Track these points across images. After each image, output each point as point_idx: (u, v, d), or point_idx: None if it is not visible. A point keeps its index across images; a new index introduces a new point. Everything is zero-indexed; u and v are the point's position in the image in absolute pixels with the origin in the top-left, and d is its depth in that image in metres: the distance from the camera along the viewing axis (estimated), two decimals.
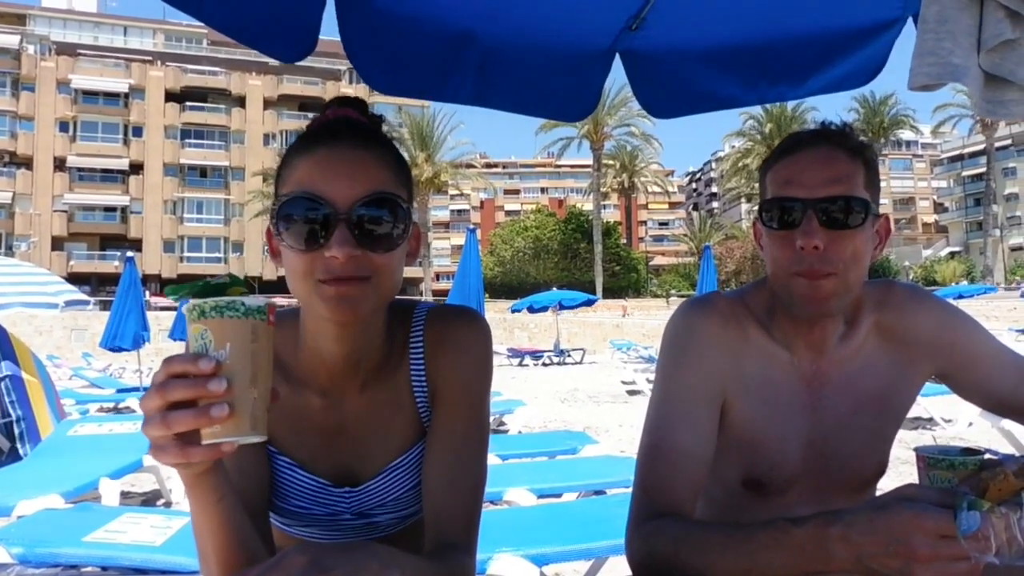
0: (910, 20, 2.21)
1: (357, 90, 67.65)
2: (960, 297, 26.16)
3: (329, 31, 2.13)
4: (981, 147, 67.21)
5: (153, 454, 0.82)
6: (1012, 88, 0.97)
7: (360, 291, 1.04)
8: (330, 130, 1.09)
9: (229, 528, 0.98)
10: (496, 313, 33.50)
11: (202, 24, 1.90)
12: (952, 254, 78.09)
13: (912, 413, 9.08)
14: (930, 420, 9.95)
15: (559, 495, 4.76)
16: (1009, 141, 74.73)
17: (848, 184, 1.24)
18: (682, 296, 59.30)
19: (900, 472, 6.95)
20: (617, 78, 2.41)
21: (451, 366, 1.21)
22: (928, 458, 1.08)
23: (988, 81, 0.96)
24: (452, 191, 75.96)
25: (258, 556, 1.03)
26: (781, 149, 1.31)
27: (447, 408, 1.21)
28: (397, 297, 1.16)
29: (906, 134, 65.43)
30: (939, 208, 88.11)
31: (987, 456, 1.02)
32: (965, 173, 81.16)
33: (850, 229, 1.23)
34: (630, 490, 1.28)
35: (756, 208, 1.39)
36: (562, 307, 26.31)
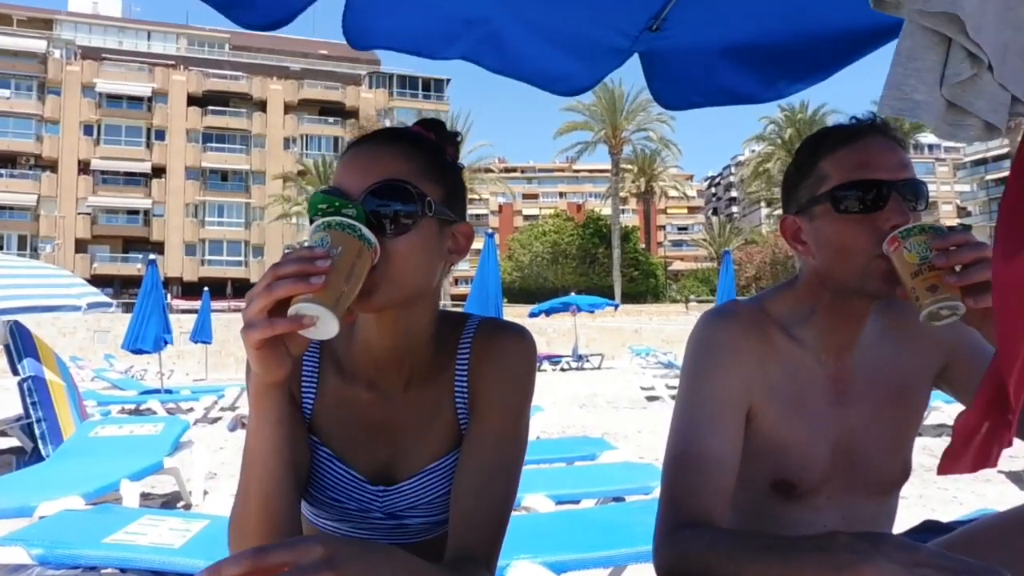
0: None
1: (376, 95, 68.27)
2: None
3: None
4: (1005, 151, 66.38)
5: (243, 332, 0.94)
6: (970, 116, 1.10)
7: (368, 284, 1.04)
8: (363, 137, 1.17)
9: (280, 455, 1.04)
10: (514, 318, 33.45)
11: (225, 29, 1.86)
12: None
13: (936, 420, 9.02)
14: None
15: (578, 501, 4.72)
16: None
17: (913, 170, 1.27)
18: (701, 302, 59.08)
19: (924, 479, 6.86)
20: (636, 82, 2.41)
21: (492, 376, 1.24)
22: (899, 234, 1.15)
23: (950, 108, 1.09)
24: (470, 195, 75.79)
25: (292, 510, 1.08)
26: (835, 139, 1.30)
27: (483, 418, 1.23)
28: (451, 309, 1.19)
29: (929, 138, 64.58)
30: (962, 212, 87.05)
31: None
32: (989, 177, 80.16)
33: (920, 212, 1.25)
34: (649, 497, 1.28)
35: (782, 206, 1.38)
36: (579, 309, 26.27)
